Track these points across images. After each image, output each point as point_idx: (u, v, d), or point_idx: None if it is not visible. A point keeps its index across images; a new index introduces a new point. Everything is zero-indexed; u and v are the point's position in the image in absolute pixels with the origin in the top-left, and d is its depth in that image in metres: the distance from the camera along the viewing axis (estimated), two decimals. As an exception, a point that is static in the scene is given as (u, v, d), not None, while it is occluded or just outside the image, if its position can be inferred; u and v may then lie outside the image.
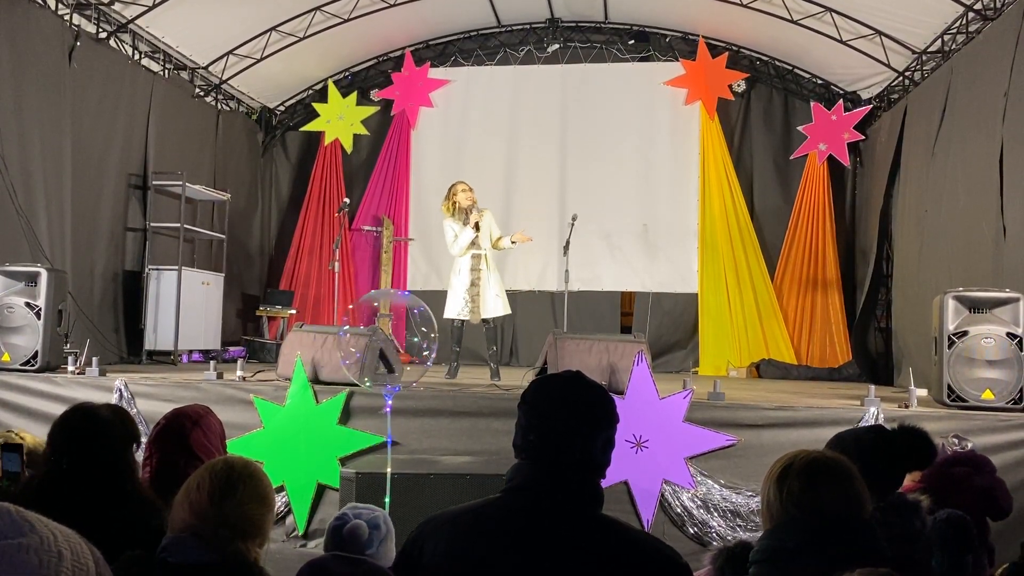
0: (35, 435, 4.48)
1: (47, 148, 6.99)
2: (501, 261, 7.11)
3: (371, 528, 2.28)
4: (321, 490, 5.13)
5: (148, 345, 8.24)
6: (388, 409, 4.45)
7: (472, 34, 10.65)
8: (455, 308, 6.54)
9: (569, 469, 1.64)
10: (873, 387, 5.29)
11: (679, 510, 4.91)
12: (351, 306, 9.75)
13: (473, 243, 6.54)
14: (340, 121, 10.72)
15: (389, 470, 4.24)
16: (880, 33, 8.37)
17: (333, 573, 1.78)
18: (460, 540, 1.64)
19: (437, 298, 6.75)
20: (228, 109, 10.25)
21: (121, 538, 1.72)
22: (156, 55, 8.79)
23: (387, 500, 4.06)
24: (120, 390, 5.50)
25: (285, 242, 10.93)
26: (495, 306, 6.53)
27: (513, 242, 6.76)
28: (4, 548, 0.88)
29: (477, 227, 6.51)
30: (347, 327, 5.37)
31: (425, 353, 4.28)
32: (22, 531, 0.91)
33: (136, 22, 8.05)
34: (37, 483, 2.30)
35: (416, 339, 4.30)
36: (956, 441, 3.93)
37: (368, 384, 4.67)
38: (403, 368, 5.98)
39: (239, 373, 5.77)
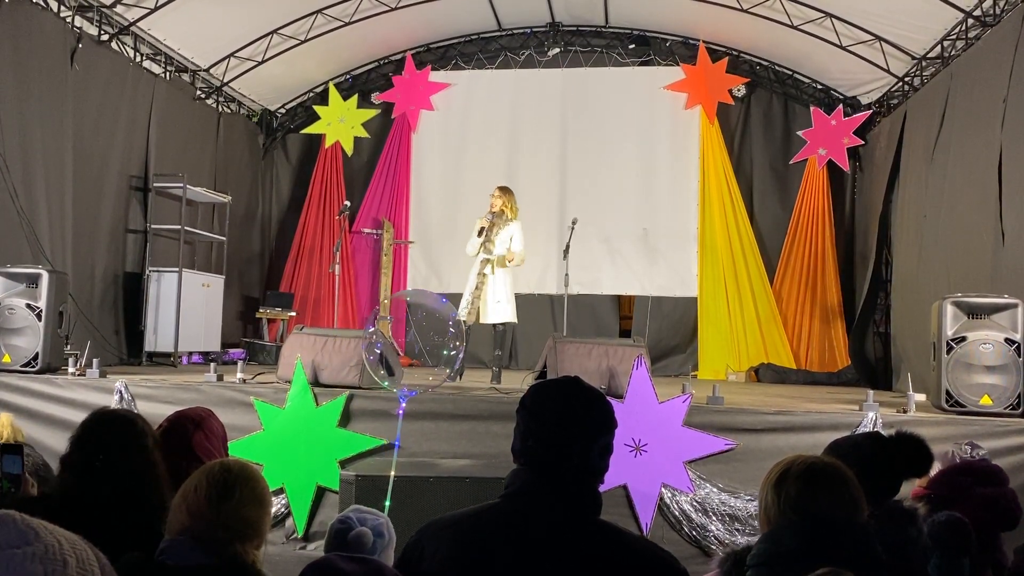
0: (27, 433, 4.46)
1: (48, 150, 7.00)
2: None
3: (375, 536, 2.29)
4: (321, 492, 5.14)
5: (148, 347, 8.24)
6: (401, 411, 4.45)
7: (473, 38, 10.67)
8: (462, 309, 6.68)
9: (567, 474, 1.65)
10: (872, 392, 5.30)
11: (677, 514, 4.92)
12: (385, 299, 9.69)
13: (484, 247, 6.65)
14: (341, 124, 10.74)
15: (393, 473, 4.22)
16: (880, 39, 8.38)
17: (340, 571, 1.79)
18: (460, 545, 1.65)
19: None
20: (229, 111, 10.27)
21: (135, 541, 1.73)
22: (157, 57, 8.81)
23: (387, 504, 4.05)
24: (120, 392, 5.51)
25: (285, 244, 10.93)
26: (494, 311, 6.65)
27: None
28: (10, 557, 0.89)
29: (481, 232, 6.70)
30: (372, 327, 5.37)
31: (456, 365, 4.37)
32: (27, 539, 0.91)
33: (138, 24, 8.07)
34: (68, 482, 2.26)
35: (445, 352, 4.33)
36: (968, 448, 3.81)
37: (387, 385, 4.67)
38: (403, 371, 5.99)
39: (239, 375, 5.76)
